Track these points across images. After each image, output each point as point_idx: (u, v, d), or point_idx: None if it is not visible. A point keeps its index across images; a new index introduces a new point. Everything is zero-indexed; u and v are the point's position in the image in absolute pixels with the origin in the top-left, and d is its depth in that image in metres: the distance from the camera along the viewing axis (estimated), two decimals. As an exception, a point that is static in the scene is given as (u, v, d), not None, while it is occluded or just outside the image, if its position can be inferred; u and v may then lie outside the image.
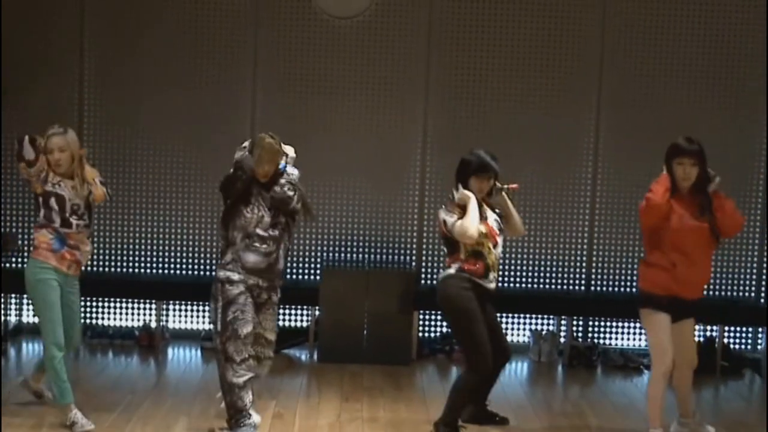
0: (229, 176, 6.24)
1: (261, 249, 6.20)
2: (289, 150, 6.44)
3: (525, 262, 9.52)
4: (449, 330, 8.60)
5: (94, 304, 9.57)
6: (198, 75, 9.29)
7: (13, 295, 9.36)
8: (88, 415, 6.88)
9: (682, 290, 6.37)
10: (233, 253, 6.23)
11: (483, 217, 6.58)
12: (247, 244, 6.19)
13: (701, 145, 6.45)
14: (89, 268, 8.73)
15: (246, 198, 6.21)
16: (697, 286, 6.50)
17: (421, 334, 9.42)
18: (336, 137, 9.29)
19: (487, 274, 6.63)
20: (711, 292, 9.41)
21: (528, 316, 9.67)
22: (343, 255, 9.51)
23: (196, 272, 9.46)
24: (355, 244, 9.48)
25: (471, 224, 6.41)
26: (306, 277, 9.50)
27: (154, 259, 9.49)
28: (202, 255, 9.41)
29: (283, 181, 6.28)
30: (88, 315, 9.31)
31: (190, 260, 9.45)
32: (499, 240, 6.71)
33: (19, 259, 9.30)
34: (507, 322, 9.61)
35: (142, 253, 9.46)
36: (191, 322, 9.60)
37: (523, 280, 9.56)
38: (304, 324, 9.54)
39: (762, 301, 9.49)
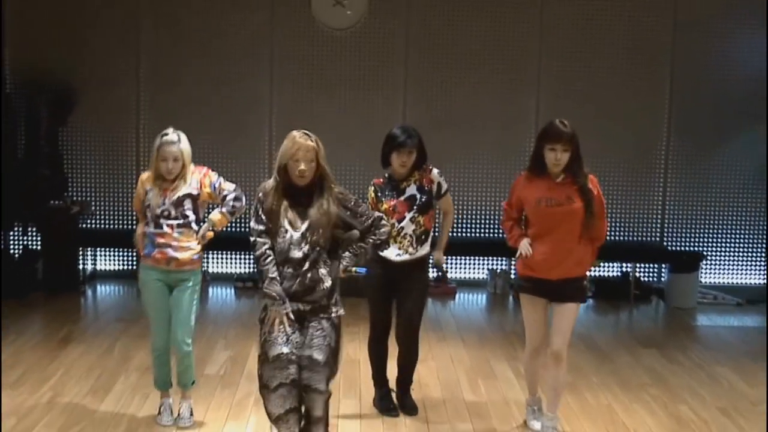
0: (253, 213, 4.55)
1: (292, 273, 4.44)
2: None
3: (484, 215, 9.57)
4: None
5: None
6: (228, 74, 9.28)
7: (89, 249, 9.35)
8: (147, 338, 6.94)
9: (538, 272, 5.08)
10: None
11: (400, 193, 5.50)
12: (281, 271, 4.46)
13: (574, 130, 4.97)
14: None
15: (275, 223, 4.47)
16: (555, 268, 5.03)
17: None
18: (334, 122, 9.29)
19: (388, 246, 5.43)
20: (625, 237, 9.51)
21: (486, 257, 9.71)
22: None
23: (230, 228, 9.45)
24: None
25: None
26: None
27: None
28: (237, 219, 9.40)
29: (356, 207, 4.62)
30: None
31: (231, 225, 9.44)
32: (408, 215, 5.44)
33: (94, 220, 9.32)
34: (470, 263, 9.69)
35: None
36: (227, 267, 9.63)
37: (482, 229, 9.60)
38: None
39: (665, 243, 9.57)
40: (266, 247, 4.46)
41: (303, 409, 4.56)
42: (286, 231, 4.45)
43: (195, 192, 5.24)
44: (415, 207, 5.48)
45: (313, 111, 9.28)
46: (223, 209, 5.36)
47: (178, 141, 5.14)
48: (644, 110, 9.41)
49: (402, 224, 5.47)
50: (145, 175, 5.30)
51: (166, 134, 5.16)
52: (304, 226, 4.44)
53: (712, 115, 9.37)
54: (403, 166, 5.48)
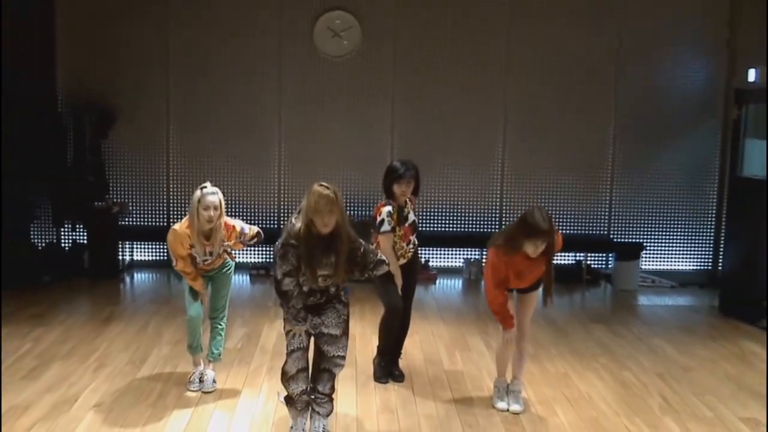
0: (281, 254, 4.42)
1: (311, 296, 4.52)
2: None
3: (459, 212, 9.57)
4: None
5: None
6: (243, 94, 9.26)
7: (127, 242, 9.32)
8: (176, 317, 6.96)
9: (513, 284, 5.10)
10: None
11: (404, 221, 5.57)
12: (300, 296, 4.48)
13: (552, 223, 4.80)
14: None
15: (301, 265, 4.43)
16: (525, 282, 5.12)
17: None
18: (332, 133, 9.29)
19: (397, 259, 5.58)
20: (578, 231, 9.53)
21: (462, 249, 9.66)
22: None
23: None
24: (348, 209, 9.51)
25: (384, 250, 5.43)
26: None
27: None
28: (250, 213, 9.41)
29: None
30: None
31: (243, 217, 9.42)
32: (412, 237, 5.65)
33: (131, 218, 9.32)
34: (448, 254, 9.67)
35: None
36: (243, 258, 9.44)
37: (459, 224, 9.60)
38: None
39: (611, 236, 9.61)
40: (293, 285, 4.44)
41: (312, 373, 4.74)
42: (305, 273, 4.44)
43: (225, 245, 5.34)
44: (416, 230, 5.70)
45: (315, 124, 9.29)
46: (243, 244, 5.43)
47: (216, 193, 5.12)
48: (593, 121, 9.41)
49: (409, 246, 5.65)
50: (179, 227, 5.22)
51: (205, 187, 5.14)
52: (325, 271, 4.44)
53: (650, 127, 9.40)
54: (403, 194, 5.53)
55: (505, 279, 5.03)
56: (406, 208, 5.61)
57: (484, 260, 9.36)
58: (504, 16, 9.25)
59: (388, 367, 5.84)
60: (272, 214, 9.45)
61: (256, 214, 9.40)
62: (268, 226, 9.22)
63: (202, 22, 9.16)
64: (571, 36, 9.27)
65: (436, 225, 9.52)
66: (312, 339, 4.67)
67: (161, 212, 9.41)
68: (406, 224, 5.60)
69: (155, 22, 9.13)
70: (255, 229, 5.44)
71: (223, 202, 5.15)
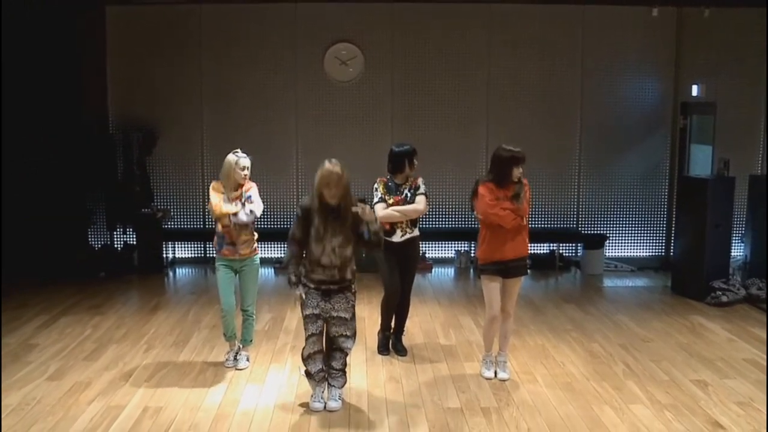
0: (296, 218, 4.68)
1: (325, 273, 4.52)
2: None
3: (451, 210, 9.55)
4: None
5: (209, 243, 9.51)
6: (266, 115, 9.24)
7: (170, 242, 9.30)
8: (212, 306, 6.96)
9: (498, 255, 5.12)
10: (305, 270, 4.61)
11: (399, 192, 5.62)
12: (314, 269, 4.54)
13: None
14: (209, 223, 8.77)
15: (311, 232, 4.52)
16: (510, 249, 5.11)
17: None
18: (340, 145, 9.21)
19: (394, 231, 5.58)
20: (551, 225, 9.50)
21: (453, 241, 9.61)
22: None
23: (266, 225, 9.47)
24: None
25: (379, 213, 5.50)
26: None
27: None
28: (272, 218, 9.43)
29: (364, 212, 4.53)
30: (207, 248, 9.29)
31: (265, 218, 9.44)
32: (415, 229, 5.70)
33: (173, 222, 9.31)
34: (442, 246, 9.63)
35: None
36: (268, 254, 9.46)
37: (451, 220, 9.57)
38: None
39: (579, 228, 9.58)
40: (295, 252, 4.66)
41: (327, 352, 4.75)
42: (320, 242, 4.47)
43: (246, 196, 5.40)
44: (407, 203, 5.59)
45: (325, 139, 9.27)
46: (240, 209, 5.38)
47: (247, 157, 5.37)
48: (562, 131, 9.37)
49: (407, 225, 5.64)
50: (215, 184, 5.39)
51: (237, 152, 5.34)
52: (335, 241, 4.48)
53: (610, 136, 9.36)
54: (413, 170, 5.65)
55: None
56: (403, 185, 5.64)
57: (473, 250, 9.37)
58: (483, 46, 9.22)
59: (388, 339, 5.88)
60: (292, 219, 9.44)
61: (277, 219, 9.41)
62: (289, 226, 9.20)
63: (230, 56, 9.16)
64: (541, 60, 9.25)
65: (431, 221, 9.52)
66: (325, 324, 4.67)
67: (198, 217, 9.42)
68: (401, 196, 5.61)
69: (191, 57, 9.13)
70: (258, 207, 5.39)
71: (249, 167, 5.36)
